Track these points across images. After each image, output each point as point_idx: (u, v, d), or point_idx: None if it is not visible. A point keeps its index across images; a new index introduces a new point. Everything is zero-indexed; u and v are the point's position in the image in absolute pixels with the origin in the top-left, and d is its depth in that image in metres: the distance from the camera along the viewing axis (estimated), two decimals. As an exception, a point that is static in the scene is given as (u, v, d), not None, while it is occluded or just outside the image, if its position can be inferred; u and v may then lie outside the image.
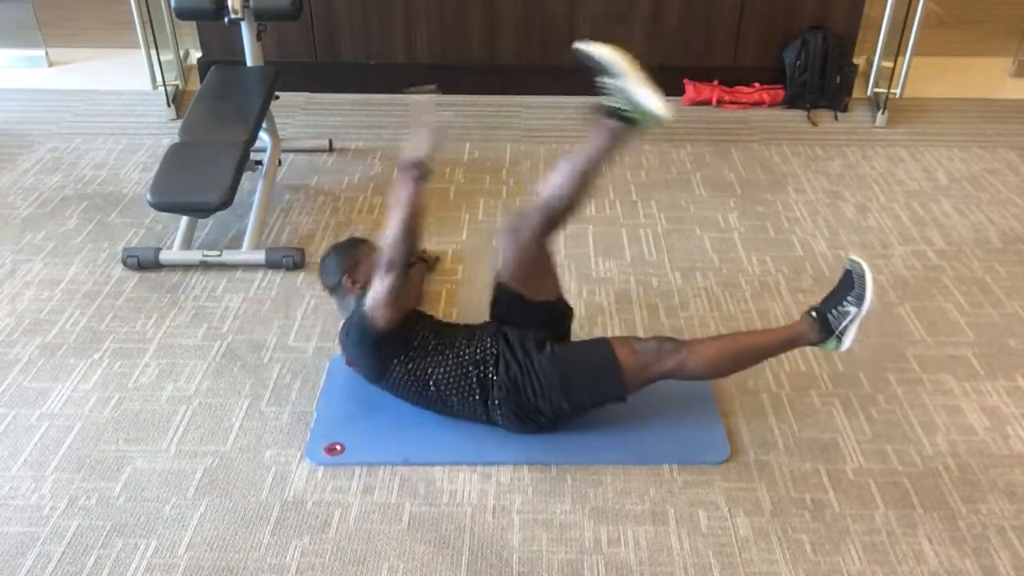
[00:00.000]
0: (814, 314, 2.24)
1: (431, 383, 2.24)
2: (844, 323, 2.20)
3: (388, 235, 2.17)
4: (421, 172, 2.19)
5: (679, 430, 2.33)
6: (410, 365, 2.25)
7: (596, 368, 2.21)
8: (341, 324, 2.40)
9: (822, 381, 2.53)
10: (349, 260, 2.50)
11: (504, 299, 2.36)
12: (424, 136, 2.23)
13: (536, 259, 2.31)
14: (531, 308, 2.32)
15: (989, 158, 3.87)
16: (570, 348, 2.30)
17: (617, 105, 2.13)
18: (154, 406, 2.44)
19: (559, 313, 2.41)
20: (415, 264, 2.94)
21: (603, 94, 2.15)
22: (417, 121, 2.25)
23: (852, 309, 2.19)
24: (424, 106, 2.26)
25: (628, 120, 2.14)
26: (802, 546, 2.03)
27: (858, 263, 2.23)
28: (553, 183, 2.24)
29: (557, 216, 2.26)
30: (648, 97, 2.07)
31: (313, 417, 2.38)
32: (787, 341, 2.29)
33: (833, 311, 2.21)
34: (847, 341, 2.21)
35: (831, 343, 2.23)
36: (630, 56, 2.12)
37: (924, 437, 2.34)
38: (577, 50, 2.16)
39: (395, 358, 2.25)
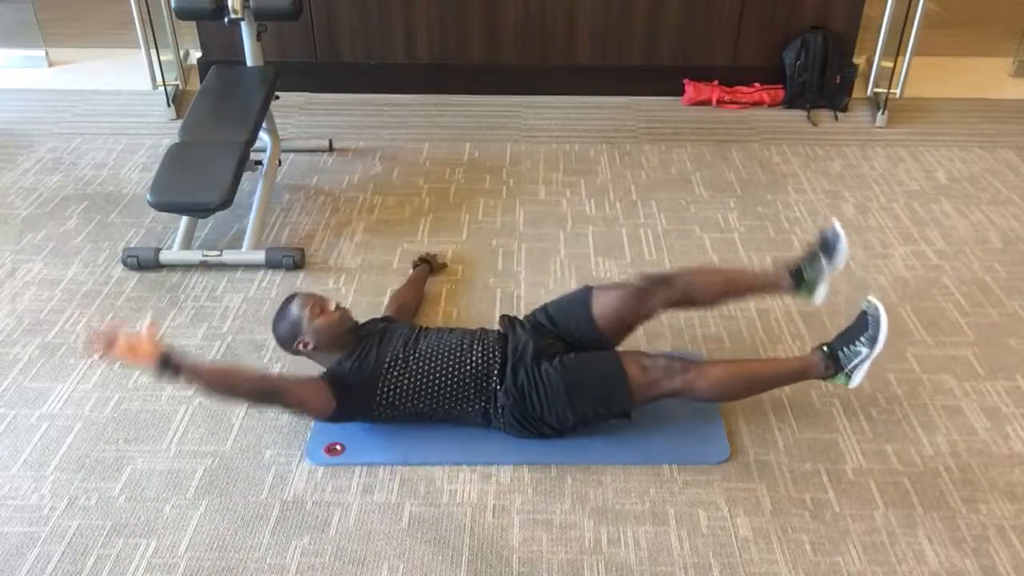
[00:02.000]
0: (825, 349, 2.22)
1: (424, 396, 2.21)
2: (855, 362, 2.18)
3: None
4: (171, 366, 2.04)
5: (679, 430, 2.33)
6: (396, 373, 2.21)
7: (604, 382, 2.19)
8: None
9: (822, 381, 2.52)
10: (292, 327, 2.29)
11: (567, 326, 2.33)
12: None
13: (638, 323, 2.39)
14: (577, 341, 2.33)
15: (989, 158, 3.86)
16: (579, 360, 2.25)
17: (807, 277, 2.36)
18: (154, 406, 2.44)
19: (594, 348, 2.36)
20: (418, 265, 2.95)
21: (808, 266, 2.38)
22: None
23: (864, 350, 2.17)
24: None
25: (799, 287, 2.38)
26: (802, 546, 2.03)
27: (875, 305, 2.20)
28: (707, 279, 2.41)
29: (686, 304, 2.42)
30: (823, 292, 2.36)
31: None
32: (796, 372, 2.28)
33: (844, 349, 2.19)
34: (856, 379, 2.20)
35: (840, 379, 2.22)
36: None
37: (924, 437, 2.34)
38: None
39: (377, 379, 2.21)
